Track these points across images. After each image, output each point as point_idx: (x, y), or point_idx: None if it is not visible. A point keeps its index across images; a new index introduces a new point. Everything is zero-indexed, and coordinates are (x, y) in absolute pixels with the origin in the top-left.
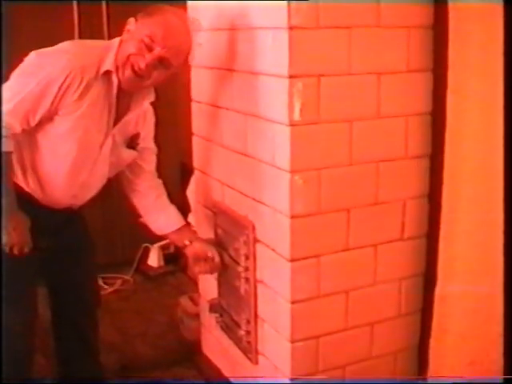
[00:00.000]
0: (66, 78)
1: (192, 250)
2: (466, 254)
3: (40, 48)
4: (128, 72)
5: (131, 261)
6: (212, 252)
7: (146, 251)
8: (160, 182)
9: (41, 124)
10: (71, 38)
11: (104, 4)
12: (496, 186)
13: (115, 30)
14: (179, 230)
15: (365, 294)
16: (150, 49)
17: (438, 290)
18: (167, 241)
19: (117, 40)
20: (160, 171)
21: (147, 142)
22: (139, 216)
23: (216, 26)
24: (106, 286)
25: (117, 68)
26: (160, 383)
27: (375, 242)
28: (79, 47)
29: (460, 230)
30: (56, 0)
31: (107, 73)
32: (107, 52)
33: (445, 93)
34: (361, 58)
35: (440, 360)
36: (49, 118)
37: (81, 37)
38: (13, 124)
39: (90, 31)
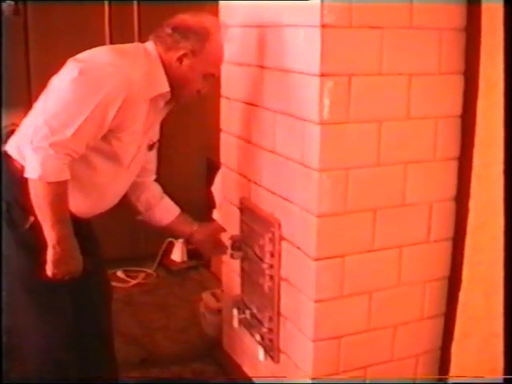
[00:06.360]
0: (124, 100)
1: (203, 232)
2: (491, 259)
3: (71, 49)
4: (192, 95)
5: (155, 255)
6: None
7: (170, 246)
8: (155, 174)
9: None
10: (102, 38)
11: (135, 4)
12: None
13: (146, 31)
14: (179, 216)
15: (388, 296)
16: (212, 76)
17: (461, 295)
18: None
19: (153, 50)
20: (186, 166)
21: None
22: (137, 213)
23: (247, 22)
24: (128, 279)
25: (172, 87)
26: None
27: (400, 244)
28: (125, 61)
29: (486, 234)
30: (87, 0)
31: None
32: (153, 68)
33: (475, 96)
34: (392, 58)
35: (462, 365)
36: (102, 136)
37: (111, 37)
38: (77, 150)
39: (121, 32)
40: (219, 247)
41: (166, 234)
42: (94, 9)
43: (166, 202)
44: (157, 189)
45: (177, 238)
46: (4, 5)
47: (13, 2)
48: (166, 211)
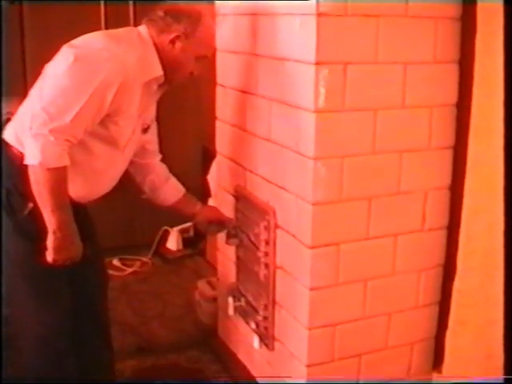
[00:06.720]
0: (120, 85)
1: (206, 213)
2: (486, 247)
3: (67, 39)
4: (185, 77)
5: (150, 243)
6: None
7: (166, 234)
8: (160, 154)
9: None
10: (98, 28)
11: (131, 4)
12: None
13: None
14: (183, 197)
15: (383, 284)
16: (205, 58)
17: (456, 283)
18: (187, 224)
19: (146, 33)
20: (182, 155)
21: (153, 121)
22: (142, 193)
23: (243, 11)
24: (124, 268)
25: (165, 70)
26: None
27: (395, 232)
28: (120, 46)
29: (481, 222)
30: (83, 0)
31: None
32: (147, 52)
33: (471, 85)
34: (388, 47)
35: (456, 353)
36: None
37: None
38: (75, 136)
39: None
40: (221, 227)
41: (162, 221)
42: (90, 5)
43: (171, 183)
44: (162, 170)
45: (181, 217)
46: None
47: None
48: (170, 192)
